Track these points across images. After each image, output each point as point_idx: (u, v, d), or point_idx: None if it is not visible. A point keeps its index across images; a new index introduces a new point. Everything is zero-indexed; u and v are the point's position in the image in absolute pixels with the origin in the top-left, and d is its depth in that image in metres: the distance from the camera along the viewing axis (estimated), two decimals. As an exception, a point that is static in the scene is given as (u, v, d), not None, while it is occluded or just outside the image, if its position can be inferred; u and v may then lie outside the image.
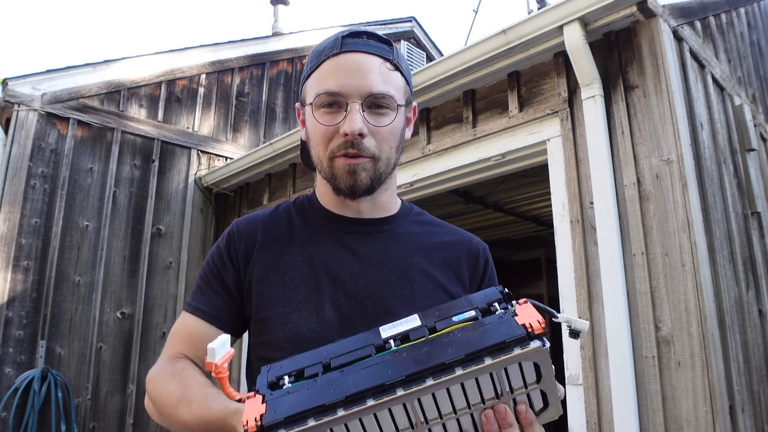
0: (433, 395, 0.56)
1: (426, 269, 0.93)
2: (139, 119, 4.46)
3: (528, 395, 0.59)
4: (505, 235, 6.59)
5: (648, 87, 2.22)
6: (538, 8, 3.95)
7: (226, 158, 4.90)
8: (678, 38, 2.40)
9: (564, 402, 0.63)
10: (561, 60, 2.52)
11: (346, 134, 0.84)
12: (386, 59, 0.88)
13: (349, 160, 0.86)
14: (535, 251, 7.14)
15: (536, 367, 0.57)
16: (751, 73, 3.71)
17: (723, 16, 3.32)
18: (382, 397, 0.54)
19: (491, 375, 0.56)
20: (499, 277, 1.04)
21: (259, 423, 0.54)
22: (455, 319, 0.61)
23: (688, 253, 1.99)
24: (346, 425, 0.55)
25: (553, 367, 0.58)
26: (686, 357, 1.93)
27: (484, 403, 0.58)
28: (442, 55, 6.23)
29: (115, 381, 4.03)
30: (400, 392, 0.54)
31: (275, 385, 0.60)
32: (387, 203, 0.97)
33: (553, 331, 0.56)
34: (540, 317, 0.57)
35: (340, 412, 0.54)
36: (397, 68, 0.89)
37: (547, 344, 0.55)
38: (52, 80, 4.07)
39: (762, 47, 4.20)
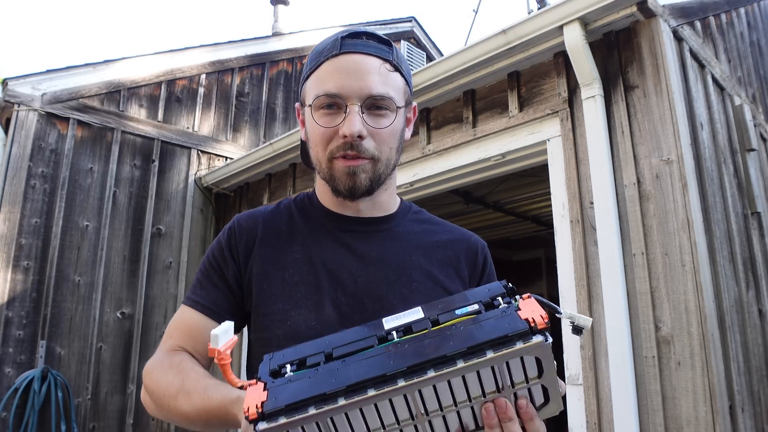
0: (434, 387, 0.56)
1: (425, 268, 0.93)
2: (139, 119, 4.46)
3: (529, 390, 0.59)
4: (505, 235, 6.59)
5: (648, 87, 2.23)
6: (538, 8, 3.95)
7: (226, 158, 4.90)
8: (678, 38, 2.40)
9: (564, 401, 0.63)
10: (561, 60, 2.52)
11: (345, 136, 0.84)
12: (386, 60, 0.88)
13: (349, 162, 0.86)
14: (535, 251, 7.14)
15: (538, 362, 0.57)
16: (751, 73, 3.71)
17: (723, 16, 3.32)
18: (383, 387, 0.54)
19: (493, 368, 0.56)
20: (499, 277, 1.04)
21: (260, 410, 0.54)
22: (458, 312, 0.62)
23: (688, 253, 1.99)
24: (346, 414, 0.55)
25: (555, 363, 0.58)
26: (686, 357, 1.93)
27: (485, 396, 0.58)
28: (442, 55, 6.23)
29: (115, 381, 4.03)
30: (401, 383, 0.54)
31: (277, 373, 0.60)
32: (386, 203, 0.98)
33: (553, 329, 0.56)
34: (543, 312, 0.57)
35: (341, 401, 0.54)
36: (396, 69, 0.89)
37: (550, 339, 0.55)
38: (52, 80, 4.07)
39: (762, 47, 4.20)
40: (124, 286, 4.18)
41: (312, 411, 0.54)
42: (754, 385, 2.27)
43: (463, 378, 0.56)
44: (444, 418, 0.59)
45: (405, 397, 0.56)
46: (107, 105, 4.32)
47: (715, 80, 2.75)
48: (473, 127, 2.85)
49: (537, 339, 0.55)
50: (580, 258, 2.27)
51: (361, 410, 0.55)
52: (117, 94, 4.38)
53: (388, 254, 0.93)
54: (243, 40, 5.24)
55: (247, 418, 0.54)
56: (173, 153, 4.63)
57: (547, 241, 6.04)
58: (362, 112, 0.85)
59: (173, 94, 4.71)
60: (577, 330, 0.65)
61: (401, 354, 0.57)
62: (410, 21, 6.54)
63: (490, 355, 0.54)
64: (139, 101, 4.49)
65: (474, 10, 5.95)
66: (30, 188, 3.86)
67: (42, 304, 3.78)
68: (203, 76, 4.91)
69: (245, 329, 0.96)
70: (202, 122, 4.84)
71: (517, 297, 0.62)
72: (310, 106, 0.88)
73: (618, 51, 2.35)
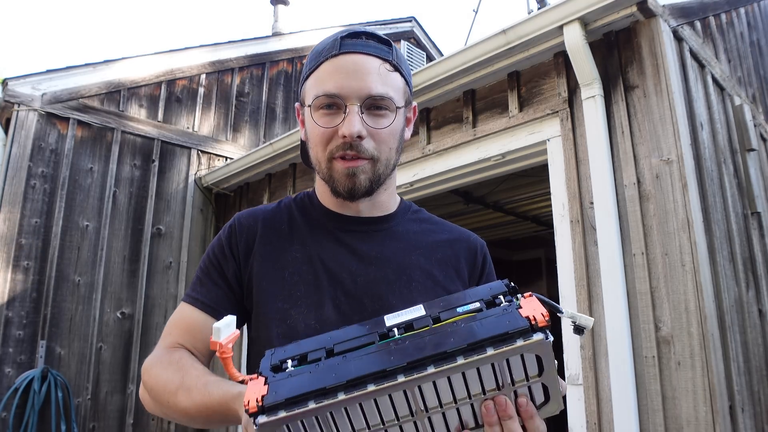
0: (434, 384, 0.56)
1: (425, 267, 0.93)
2: (139, 119, 4.46)
3: (529, 388, 0.59)
4: (505, 235, 6.59)
5: (648, 87, 2.23)
6: (538, 8, 3.95)
7: (226, 158, 4.90)
8: (678, 38, 2.40)
9: (564, 401, 0.63)
10: (561, 60, 2.52)
11: (344, 136, 0.84)
12: (385, 60, 0.88)
13: (348, 163, 0.86)
14: (535, 251, 7.14)
15: (538, 360, 0.57)
16: (751, 73, 3.71)
17: (723, 16, 3.33)
18: (382, 382, 0.54)
19: (493, 366, 0.56)
20: (499, 277, 1.04)
21: (260, 403, 0.55)
22: (459, 310, 0.62)
23: (688, 253, 1.99)
24: (346, 409, 0.55)
25: (556, 362, 0.58)
26: (686, 357, 1.93)
27: (484, 393, 0.58)
28: (442, 55, 6.23)
29: (115, 381, 4.03)
30: (400, 378, 0.54)
31: (278, 368, 0.61)
32: (386, 202, 0.98)
33: (553, 328, 0.56)
34: (544, 310, 0.57)
35: (341, 396, 0.54)
36: (396, 69, 0.89)
37: (551, 337, 0.55)
38: (52, 80, 4.07)
39: (762, 47, 4.20)
40: (124, 286, 4.18)
41: (311, 405, 0.54)
42: (754, 385, 2.27)
43: (463, 375, 0.56)
44: (444, 415, 0.59)
45: (405, 393, 0.56)
46: (107, 105, 4.32)
47: (715, 80, 2.75)
48: (473, 127, 2.85)
49: (537, 337, 0.55)
50: (580, 258, 2.27)
51: (360, 406, 0.55)
52: (117, 94, 4.38)
53: (387, 254, 0.93)
54: (243, 40, 5.24)
55: (247, 411, 0.55)
56: (173, 153, 4.63)
57: (547, 241, 6.04)
58: (362, 113, 0.84)
59: (173, 94, 4.71)
60: (578, 330, 0.65)
61: (401, 350, 0.57)
62: (410, 21, 6.54)
63: (490, 352, 0.54)
64: (139, 101, 4.49)
65: (474, 10, 5.95)
66: (30, 188, 3.86)
67: (42, 304, 3.78)
68: (203, 76, 4.91)
69: (245, 328, 0.96)
70: (202, 122, 4.84)
71: (519, 296, 0.62)
72: (309, 106, 0.88)
73: (618, 51, 2.35)
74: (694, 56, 2.53)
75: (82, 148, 4.14)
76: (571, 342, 2.27)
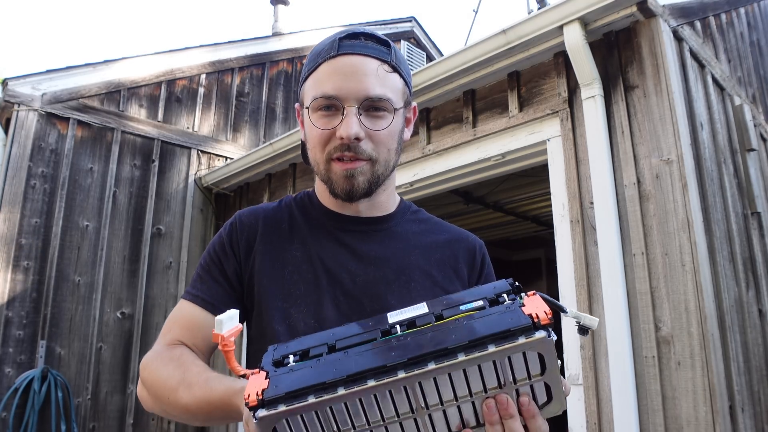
0: (435, 380, 0.56)
1: (424, 268, 0.94)
2: (139, 119, 4.46)
3: (532, 387, 0.59)
4: (505, 235, 6.59)
5: (648, 87, 2.22)
6: (538, 8, 3.95)
7: (226, 158, 4.90)
8: (678, 38, 2.40)
9: (563, 410, 0.63)
10: (561, 60, 2.52)
11: (342, 138, 0.84)
12: (384, 61, 0.88)
13: (346, 165, 0.86)
14: (535, 251, 7.14)
15: (541, 358, 0.56)
16: (751, 73, 3.71)
17: (723, 16, 3.32)
18: (383, 378, 0.54)
19: (494, 363, 0.56)
20: (499, 277, 1.04)
21: (260, 397, 0.55)
22: (462, 307, 0.61)
23: (688, 253, 1.99)
24: (345, 405, 0.55)
25: (559, 361, 0.57)
26: (686, 357, 1.93)
27: (486, 392, 0.57)
28: (442, 55, 6.23)
29: (115, 381, 4.03)
30: (401, 374, 0.54)
31: (280, 363, 0.61)
32: (385, 203, 0.98)
33: (553, 328, 0.56)
34: (547, 309, 0.57)
35: (340, 391, 0.54)
36: (395, 70, 0.89)
37: (553, 336, 0.55)
38: (52, 80, 4.07)
39: (762, 47, 4.20)
40: (124, 286, 4.18)
41: (311, 399, 0.54)
42: (754, 385, 2.27)
43: (465, 372, 0.56)
44: (444, 412, 0.58)
45: (405, 389, 0.56)
46: (107, 105, 4.32)
47: (715, 80, 2.75)
48: (473, 127, 2.85)
49: (540, 334, 0.54)
50: (580, 258, 2.27)
51: (360, 401, 0.55)
52: (117, 94, 4.38)
53: (386, 254, 0.93)
54: (243, 40, 5.24)
55: (247, 405, 0.55)
56: (173, 153, 4.63)
57: (547, 241, 6.04)
58: (360, 114, 0.85)
59: (173, 94, 4.71)
60: (583, 330, 0.65)
61: (403, 346, 0.57)
62: (410, 21, 6.54)
63: (491, 349, 0.54)
64: (139, 101, 4.49)
65: (474, 10, 5.95)
66: (30, 188, 3.86)
67: (42, 304, 3.78)
68: (203, 76, 4.91)
69: (244, 326, 0.96)
70: (202, 122, 4.84)
71: (523, 294, 0.62)
72: (307, 107, 0.89)
73: (618, 51, 2.35)
74: (694, 56, 2.53)
75: (82, 148, 4.14)
76: (571, 342, 2.27)
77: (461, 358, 0.54)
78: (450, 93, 2.97)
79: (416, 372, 0.54)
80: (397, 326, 0.61)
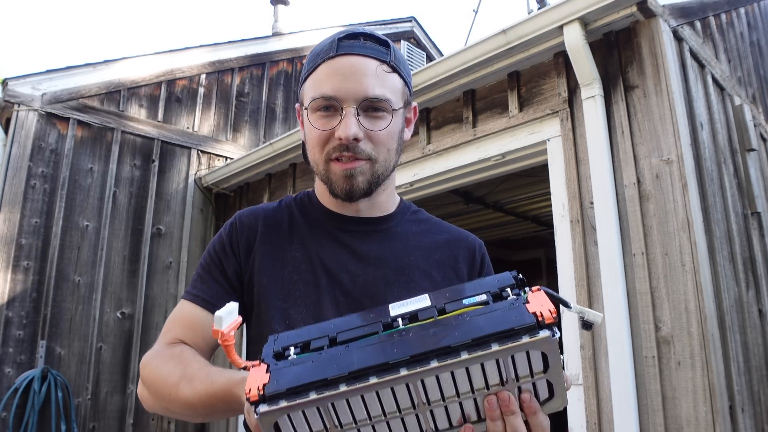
0: (437, 377, 0.55)
1: (424, 268, 0.94)
2: (139, 119, 4.46)
3: (534, 384, 0.59)
4: (505, 235, 6.59)
5: (648, 87, 2.23)
6: (538, 8, 3.95)
7: (226, 158, 4.90)
8: (678, 38, 2.40)
9: (565, 407, 0.63)
10: (561, 60, 2.52)
11: (340, 138, 0.84)
12: (383, 61, 0.87)
13: (345, 165, 0.86)
14: (535, 251, 7.14)
15: (544, 356, 0.56)
16: (751, 73, 3.71)
17: (723, 16, 3.32)
18: (385, 375, 0.54)
19: (497, 361, 0.55)
20: (499, 277, 1.04)
21: (261, 392, 0.54)
22: (466, 302, 0.61)
23: (688, 253, 1.99)
24: (347, 401, 0.55)
25: (562, 357, 0.57)
26: (686, 357, 1.93)
27: (488, 389, 0.57)
28: (442, 55, 6.23)
29: (115, 381, 4.03)
30: (403, 372, 0.54)
31: (281, 355, 0.60)
32: (385, 203, 0.98)
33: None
34: (552, 306, 0.56)
35: (343, 388, 0.54)
36: (394, 70, 0.89)
37: (557, 334, 0.54)
38: (52, 80, 4.07)
39: (762, 47, 4.20)
40: (124, 286, 4.18)
41: (313, 396, 0.54)
42: (754, 385, 2.27)
43: (467, 370, 0.55)
44: (446, 408, 0.58)
45: (407, 385, 0.55)
46: (107, 105, 4.32)
47: (715, 80, 2.75)
48: (473, 127, 2.85)
49: (544, 334, 0.54)
50: (580, 258, 2.27)
51: (362, 397, 0.55)
52: (117, 94, 4.38)
53: (386, 254, 0.93)
54: (243, 40, 5.24)
55: (248, 399, 0.55)
56: (173, 153, 4.63)
57: (547, 241, 6.04)
58: (358, 115, 0.85)
59: (173, 94, 4.71)
60: (587, 325, 0.64)
61: (405, 342, 0.56)
62: (410, 21, 6.54)
63: (495, 348, 0.54)
64: (139, 101, 4.49)
65: (474, 10, 5.95)
66: (30, 188, 3.86)
67: (42, 304, 3.78)
68: (203, 76, 4.91)
69: (244, 326, 0.96)
70: (202, 122, 4.84)
71: (527, 289, 0.61)
72: (306, 108, 0.89)
73: (618, 51, 2.35)
74: (694, 56, 2.53)
75: (82, 148, 4.14)
76: (571, 342, 2.27)
77: (464, 356, 0.54)
78: (450, 93, 2.97)
79: (419, 370, 0.54)
80: (399, 319, 0.61)
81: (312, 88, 0.88)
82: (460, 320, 0.57)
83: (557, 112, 2.49)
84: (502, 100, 2.76)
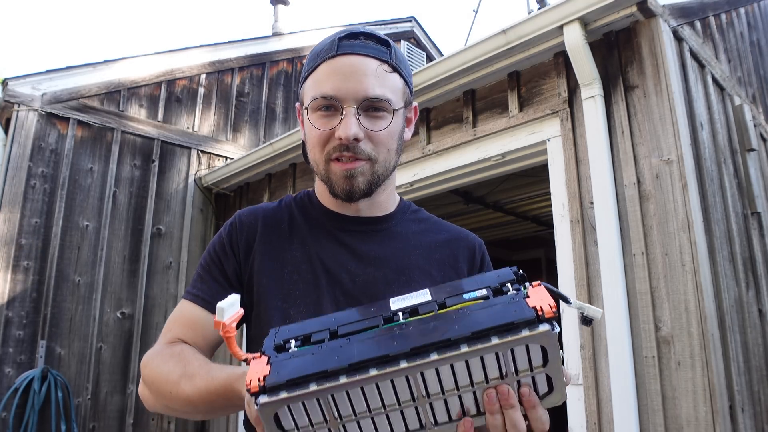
0: (437, 370, 0.56)
1: (424, 267, 0.94)
2: (139, 119, 4.46)
3: (533, 378, 0.59)
4: (505, 235, 6.59)
5: (648, 87, 2.23)
6: (538, 8, 3.95)
7: (226, 158, 4.90)
8: (678, 38, 2.40)
9: (564, 401, 0.63)
10: (561, 60, 2.52)
11: (340, 138, 0.84)
12: (383, 61, 0.87)
13: (345, 165, 0.86)
14: (535, 251, 7.14)
15: (543, 350, 0.56)
16: (751, 73, 3.71)
17: (723, 16, 3.33)
18: (385, 367, 0.54)
19: (497, 355, 0.56)
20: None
21: (261, 383, 0.55)
22: (466, 296, 0.61)
23: (688, 253, 1.99)
24: (347, 392, 0.55)
25: (562, 352, 0.57)
26: (686, 357, 1.93)
27: (487, 382, 0.58)
28: (442, 55, 6.23)
29: (115, 381, 4.03)
30: (403, 364, 0.54)
31: (281, 347, 0.60)
32: (385, 202, 0.98)
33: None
34: (551, 301, 0.56)
35: (342, 379, 0.54)
36: (395, 70, 0.89)
37: (557, 328, 0.54)
38: (52, 80, 4.07)
39: (762, 47, 4.20)
40: (124, 286, 4.18)
41: (313, 387, 0.54)
42: (754, 385, 2.27)
43: (467, 363, 0.56)
44: (445, 401, 0.59)
45: (407, 378, 0.56)
46: (107, 105, 4.32)
47: (715, 80, 2.75)
48: (473, 127, 2.85)
49: (543, 328, 0.54)
50: (580, 258, 2.27)
51: (362, 389, 0.55)
52: (117, 94, 4.38)
53: (386, 254, 0.93)
54: (243, 40, 5.24)
55: (248, 390, 0.55)
56: (173, 153, 4.63)
57: (547, 241, 6.04)
58: (359, 115, 0.84)
59: (173, 94, 4.71)
60: (586, 321, 0.64)
61: (405, 335, 0.57)
62: (410, 21, 6.54)
63: (494, 341, 0.54)
64: (139, 101, 4.50)
65: (474, 10, 5.95)
66: (30, 188, 3.86)
67: (42, 304, 3.78)
68: (203, 76, 4.91)
69: (244, 327, 0.96)
70: (202, 122, 4.84)
71: (527, 284, 0.61)
72: (307, 107, 0.89)
73: (618, 51, 2.35)
74: (694, 56, 2.53)
75: (82, 148, 4.14)
76: (571, 342, 2.27)
77: (464, 349, 0.54)
78: (450, 93, 2.97)
79: (418, 362, 0.54)
80: (400, 313, 0.61)
81: (312, 88, 0.88)
82: (460, 314, 0.58)
83: (557, 112, 2.49)
84: (502, 100, 2.76)
